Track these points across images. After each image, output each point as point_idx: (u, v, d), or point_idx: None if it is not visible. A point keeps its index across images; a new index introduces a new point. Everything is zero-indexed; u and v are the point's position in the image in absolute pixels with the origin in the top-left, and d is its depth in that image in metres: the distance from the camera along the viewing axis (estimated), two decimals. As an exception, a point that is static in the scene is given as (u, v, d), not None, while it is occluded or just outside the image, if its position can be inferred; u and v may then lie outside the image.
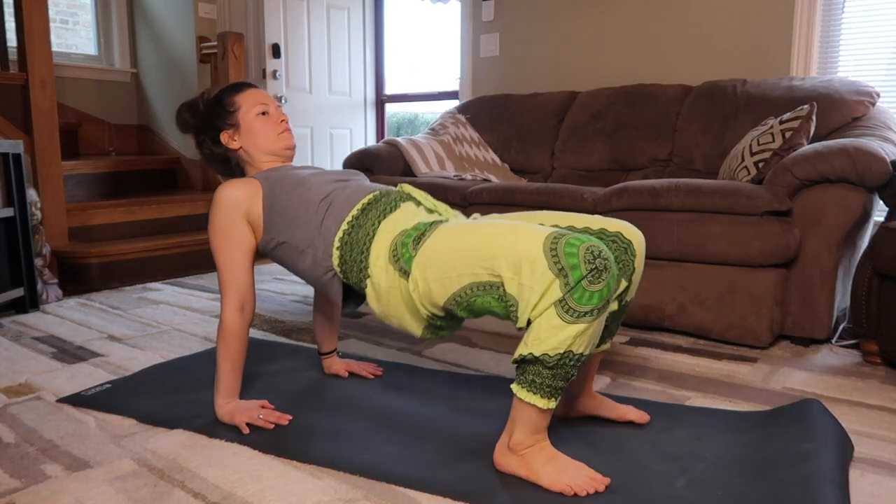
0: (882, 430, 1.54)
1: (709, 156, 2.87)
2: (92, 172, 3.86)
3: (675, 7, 3.31)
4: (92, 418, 1.60)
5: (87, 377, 1.90)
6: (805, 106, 2.28)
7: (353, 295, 1.59)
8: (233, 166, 1.72)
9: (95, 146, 4.60)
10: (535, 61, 3.83)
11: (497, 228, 1.26)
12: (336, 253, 1.47)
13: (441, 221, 1.42)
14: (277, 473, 1.32)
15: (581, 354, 1.18)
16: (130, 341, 2.27)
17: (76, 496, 1.24)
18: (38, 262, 2.81)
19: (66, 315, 2.62)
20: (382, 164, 3.21)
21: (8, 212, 2.61)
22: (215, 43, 3.94)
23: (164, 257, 3.40)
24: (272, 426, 1.51)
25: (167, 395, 1.72)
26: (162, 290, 3.08)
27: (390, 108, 5.17)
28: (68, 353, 2.14)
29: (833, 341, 2.20)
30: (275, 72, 4.20)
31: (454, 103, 4.21)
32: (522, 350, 1.19)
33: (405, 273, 1.35)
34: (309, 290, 3.08)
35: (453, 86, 4.42)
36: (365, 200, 1.50)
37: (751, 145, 2.34)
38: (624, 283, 1.38)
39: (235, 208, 1.55)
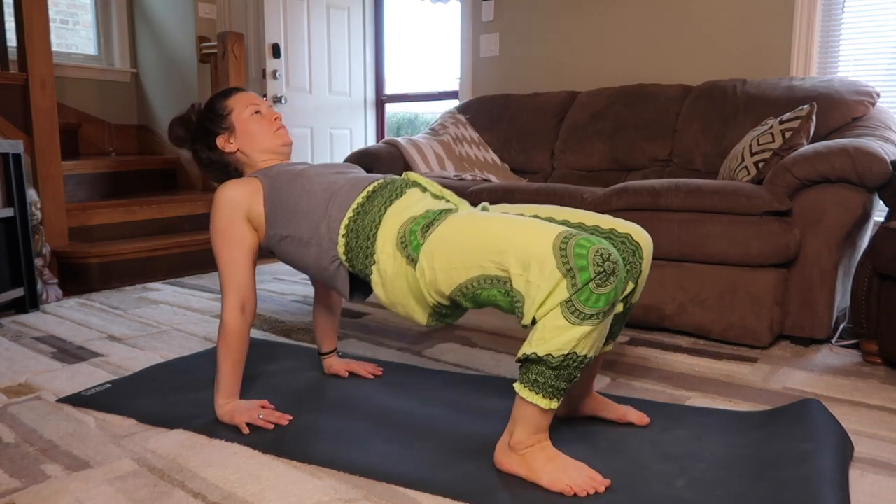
0: (882, 430, 1.54)
1: (709, 156, 2.87)
2: (92, 172, 3.86)
3: (675, 7, 3.31)
4: (92, 418, 1.60)
5: (87, 377, 1.90)
6: (805, 106, 2.28)
7: (360, 286, 1.58)
8: (231, 171, 1.71)
9: (95, 146, 4.61)
10: (535, 61, 3.83)
11: (509, 223, 1.25)
12: (342, 241, 1.46)
13: (451, 210, 1.41)
14: (277, 473, 1.32)
15: (585, 357, 1.18)
16: (130, 341, 2.27)
17: (76, 496, 1.24)
18: (38, 262, 2.81)
19: (66, 315, 2.62)
20: (382, 164, 3.21)
21: (8, 212, 2.61)
22: (215, 43, 3.94)
23: (164, 257, 3.40)
24: (272, 426, 1.51)
25: (167, 395, 1.72)
26: (162, 290, 3.08)
27: (390, 108, 5.17)
28: (68, 353, 2.14)
29: (833, 341, 2.20)
30: (275, 72, 4.20)
31: (454, 103, 4.21)
32: (526, 349, 1.19)
33: (412, 260, 1.34)
34: (309, 290, 3.08)
35: (453, 86, 4.42)
36: (370, 188, 1.49)
37: (751, 145, 2.34)
38: (630, 286, 1.38)
39: (235, 208, 1.55)
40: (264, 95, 4.18)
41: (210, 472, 1.33)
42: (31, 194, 2.82)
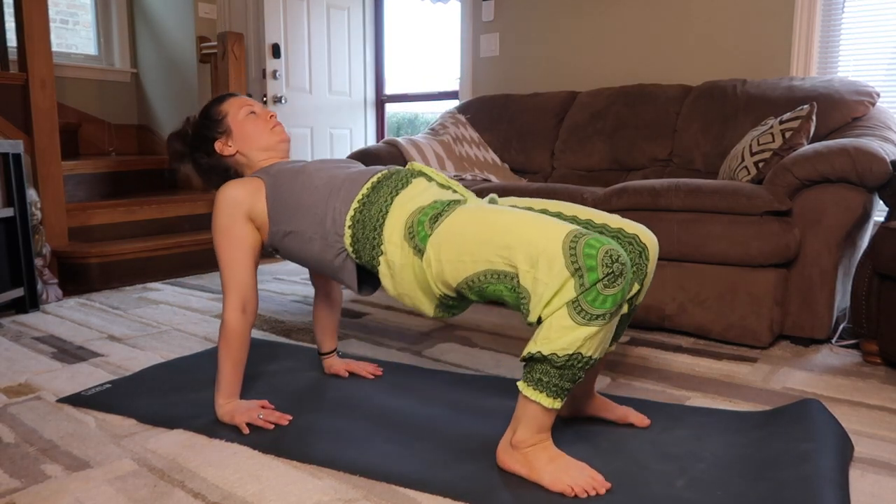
0: (882, 430, 1.54)
1: (709, 156, 2.87)
2: (92, 172, 3.86)
3: (675, 7, 3.31)
4: (92, 418, 1.60)
5: (87, 377, 1.90)
6: (805, 106, 2.28)
7: (368, 279, 1.57)
8: (231, 174, 1.71)
9: (95, 146, 4.61)
10: (535, 61, 3.83)
11: (518, 218, 1.25)
12: (348, 232, 1.45)
13: (460, 201, 1.40)
14: (277, 473, 1.32)
15: (590, 358, 1.18)
16: (130, 341, 2.27)
17: (76, 496, 1.24)
18: (38, 262, 2.81)
19: (66, 315, 2.62)
20: (382, 163, 3.21)
21: (8, 212, 2.61)
22: (215, 43, 3.94)
23: (164, 257, 3.40)
24: (272, 426, 1.51)
25: (167, 395, 1.72)
26: (162, 290, 3.08)
27: (390, 108, 5.17)
28: (68, 353, 2.14)
29: (833, 341, 2.20)
30: (275, 72, 4.20)
31: (454, 103, 4.21)
32: (531, 348, 1.19)
33: (419, 251, 1.34)
34: (309, 290, 3.08)
35: (453, 86, 4.42)
36: (374, 179, 1.49)
37: (751, 145, 2.34)
38: (636, 287, 1.38)
39: (236, 207, 1.55)
40: (264, 95, 4.18)
41: (210, 472, 1.33)
42: (31, 194, 2.82)
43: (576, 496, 1.20)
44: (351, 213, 1.46)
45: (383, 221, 1.41)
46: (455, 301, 1.39)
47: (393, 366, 1.97)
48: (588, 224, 1.39)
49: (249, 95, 4.17)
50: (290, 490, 1.26)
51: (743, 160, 2.34)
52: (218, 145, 1.68)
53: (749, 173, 2.29)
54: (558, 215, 1.42)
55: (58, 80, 4.13)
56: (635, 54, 3.46)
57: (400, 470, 1.31)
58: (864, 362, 2.02)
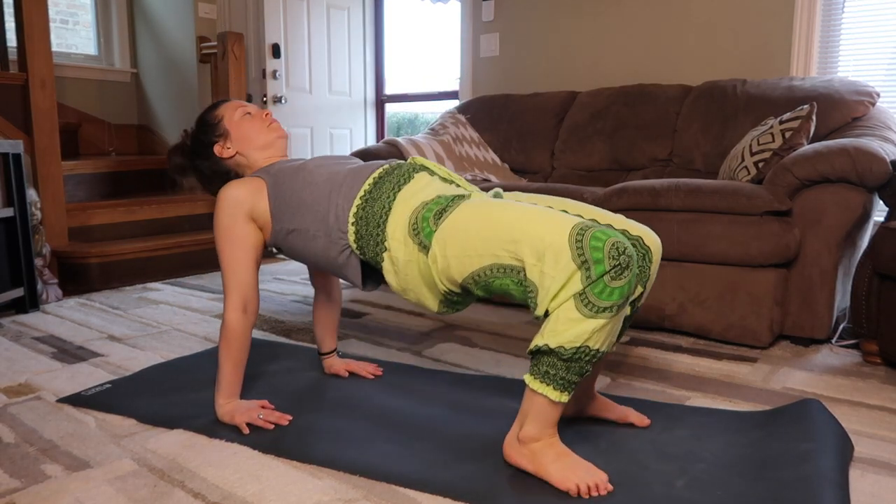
0: (882, 430, 1.54)
1: (709, 156, 2.87)
2: (92, 172, 3.86)
3: (675, 7, 3.31)
4: (92, 418, 1.60)
5: (87, 377, 1.90)
6: (805, 106, 2.28)
7: (371, 274, 1.57)
8: (232, 177, 1.72)
9: (95, 146, 4.61)
10: (535, 61, 3.83)
11: (524, 212, 1.25)
12: (352, 229, 1.45)
13: (464, 196, 1.40)
14: (277, 473, 1.32)
15: (597, 351, 1.18)
16: (130, 341, 2.27)
17: (76, 496, 1.24)
18: (38, 262, 2.81)
19: (66, 315, 2.62)
20: (382, 164, 3.21)
21: (8, 212, 2.61)
22: (215, 43, 3.94)
23: (164, 257, 3.40)
24: (272, 426, 1.51)
25: (167, 395, 1.72)
26: (162, 290, 3.08)
27: (390, 108, 5.17)
28: (68, 353, 2.14)
29: (833, 341, 2.20)
30: (275, 72, 4.20)
31: (454, 103, 4.21)
32: (538, 341, 1.18)
33: (424, 247, 1.34)
34: (309, 290, 3.08)
35: (453, 86, 4.42)
36: (376, 174, 1.49)
37: (751, 145, 2.34)
38: (639, 289, 1.38)
39: (237, 207, 1.55)
40: (264, 95, 4.18)
41: (210, 472, 1.33)
42: (31, 194, 2.82)
43: (580, 496, 1.20)
44: (354, 209, 1.46)
45: (386, 218, 1.41)
46: (459, 297, 1.39)
47: (393, 366, 1.97)
48: (592, 222, 1.39)
49: (249, 95, 4.17)
50: (290, 490, 1.26)
51: (743, 160, 2.34)
52: (217, 149, 1.68)
53: (749, 173, 2.29)
54: (563, 212, 1.42)
55: (58, 80, 4.13)
56: (635, 54, 3.46)
57: (400, 470, 1.31)
58: (864, 362, 2.02)
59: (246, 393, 1.70)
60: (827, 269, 2.09)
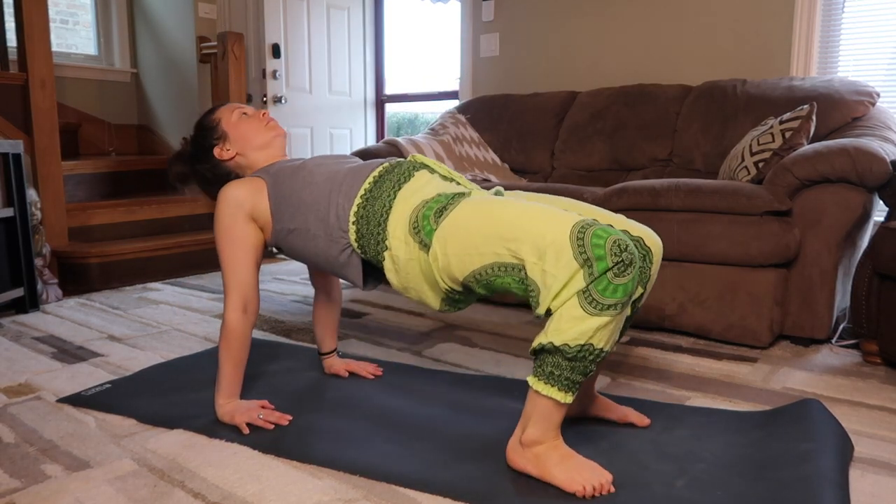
0: (882, 430, 1.54)
1: (709, 156, 2.87)
2: (92, 172, 3.86)
3: (675, 7, 3.31)
4: (92, 418, 1.60)
5: (87, 377, 1.90)
6: (805, 106, 2.28)
7: (372, 273, 1.56)
8: (233, 179, 1.72)
9: (95, 146, 4.61)
10: (535, 61, 3.83)
11: (524, 210, 1.25)
12: (352, 228, 1.45)
13: (464, 194, 1.39)
14: (277, 473, 1.32)
15: (601, 349, 1.17)
16: (130, 341, 2.27)
17: (76, 496, 1.24)
18: (38, 262, 2.81)
19: (66, 315, 2.62)
20: (382, 164, 3.21)
21: (8, 212, 2.61)
22: (215, 43, 3.94)
23: (164, 257, 3.40)
24: (272, 426, 1.51)
25: (167, 395, 1.72)
26: (162, 290, 3.08)
27: (390, 108, 5.17)
28: (68, 353, 2.14)
29: (833, 341, 2.20)
30: (275, 72, 4.20)
31: (454, 103, 4.21)
32: (542, 339, 1.18)
33: (425, 246, 1.34)
34: (309, 290, 3.08)
35: (453, 86, 4.42)
36: (375, 173, 1.49)
37: (751, 145, 2.34)
38: (640, 290, 1.38)
39: (238, 207, 1.56)
40: (264, 95, 4.18)
41: (210, 472, 1.33)
42: (31, 194, 2.82)
43: (588, 496, 1.20)
44: (354, 208, 1.45)
45: (387, 216, 1.41)
46: (461, 295, 1.39)
47: (393, 366, 1.97)
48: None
49: (249, 96, 4.17)
50: (290, 490, 1.26)
51: (743, 160, 2.34)
52: (216, 151, 1.69)
53: (749, 173, 2.29)
54: (563, 210, 1.42)
55: (58, 80, 4.13)
56: (635, 54, 3.46)
57: (400, 470, 1.31)
58: (864, 362, 2.02)
59: (246, 393, 1.70)
60: (827, 269, 2.09)
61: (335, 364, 1.89)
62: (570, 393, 1.20)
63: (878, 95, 2.61)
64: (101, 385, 1.80)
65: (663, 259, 2.28)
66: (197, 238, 3.54)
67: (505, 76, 3.96)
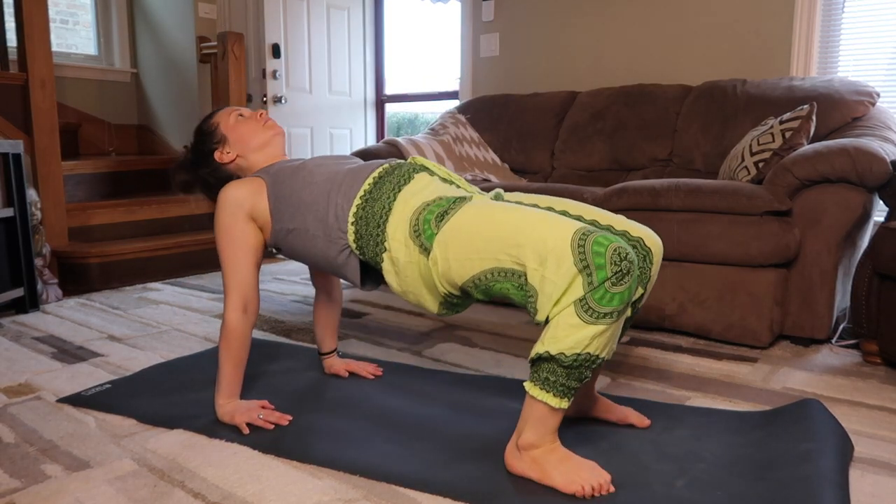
0: (882, 430, 1.54)
1: (709, 156, 2.87)
2: (92, 172, 3.86)
3: (675, 7, 3.31)
4: (92, 418, 1.60)
5: (87, 377, 1.90)
6: (805, 106, 2.28)
7: (371, 274, 1.56)
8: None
9: (95, 146, 4.61)
10: (535, 61, 3.83)
11: (525, 215, 1.25)
12: (351, 229, 1.45)
13: (465, 198, 1.39)
14: (277, 473, 1.32)
15: (598, 357, 1.18)
16: (130, 341, 2.27)
17: (76, 496, 1.24)
18: (38, 262, 2.81)
19: (66, 315, 2.62)
20: (382, 164, 3.21)
21: (8, 212, 2.61)
22: (215, 43, 3.94)
23: (164, 257, 3.40)
24: (272, 426, 1.51)
25: (167, 395, 1.72)
26: (162, 290, 3.08)
27: (390, 108, 5.17)
28: (68, 353, 2.14)
29: (833, 341, 2.20)
30: (275, 72, 4.20)
31: (454, 103, 4.21)
32: (539, 349, 1.18)
33: (426, 250, 1.33)
34: (309, 290, 3.08)
35: (453, 86, 4.42)
36: (376, 174, 1.49)
37: (751, 145, 2.34)
38: (640, 291, 1.38)
39: (237, 207, 1.56)
40: (264, 95, 4.18)
41: (210, 472, 1.33)
42: (31, 194, 2.82)
43: (591, 496, 1.20)
44: (354, 209, 1.45)
45: (387, 218, 1.41)
46: (459, 299, 1.39)
47: (393, 366, 1.97)
48: (593, 224, 1.39)
49: (249, 96, 4.17)
50: (290, 490, 1.26)
51: (743, 160, 2.34)
52: (217, 155, 1.70)
53: (749, 173, 2.29)
54: (564, 213, 1.42)
55: (58, 80, 4.13)
56: (635, 54, 3.46)
57: (400, 470, 1.31)
58: (864, 362, 2.02)
59: (246, 393, 1.70)
60: (827, 269, 2.09)
61: (335, 364, 1.89)
62: (566, 399, 1.20)
63: (878, 95, 2.61)
64: (101, 385, 1.80)
65: (663, 259, 2.28)
66: (197, 238, 3.54)
67: (505, 76, 3.96)
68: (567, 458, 1.25)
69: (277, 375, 1.87)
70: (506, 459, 1.30)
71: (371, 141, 4.91)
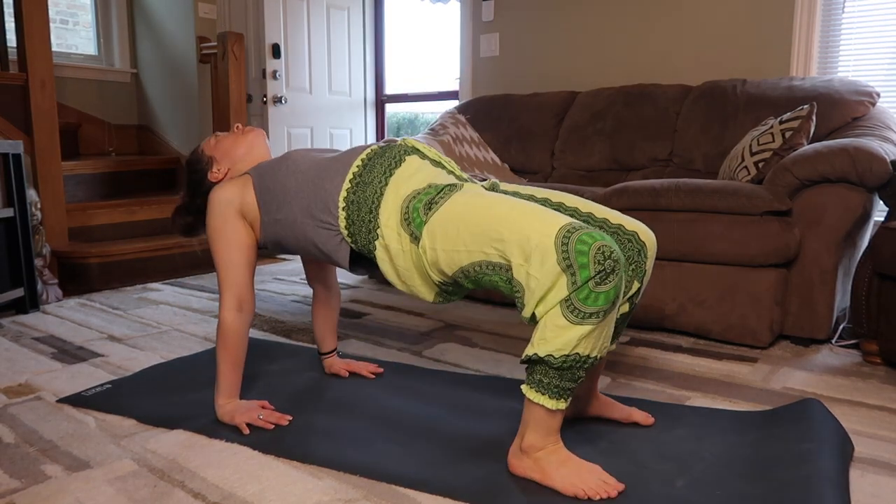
0: (882, 430, 1.54)
1: (709, 156, 2.86)
2: (92, 172, 3.86)
3: (675, 7, 3.31)
4: (92, 418, 1.60)
5: (87, 377, 1.90)
6: (805, 106, 2.28)
7: (361, 260, 1.54)
8: None
9: (95, 146, 4.61)
10: (535, 61, 3.83)
11: (513, 208, 1.24)
12: (342, 214, 1.44)
13: (455, 186, 1.38)
14: (277, 473, 1.32)
15: (588, 357, 1.17)
16: (130, 341, 2.27)
17: (76, 496, 1.24)
18: (38, 262, 2.81)
19: (66, 315, 2.62)
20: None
21: (8, 212, 2.61)
22: (215, 43, 3.95)
23: (164, 257, 3.40)
24: (272, 426, 1.51)
25: (167, 395, 1.72)
26: (162, 291, 3.08)
27: (390, 108, 5.16)
28: (68, 353, 2.14)
29: (833, 341, 2.20)
30: (275, 72, 4.20)
31: (454, 103, 4.20)
32: (529, 351, 1.19)
33: (416, 238, 1.33)
34: (309, 290, 3.08)
35: (453, 86, 4.42)
36: (364, 156, 1.47)
37: (751, 145, 2.34)
38: (636, 285, 1.38)
39: (227, 206, 1.57)
40: (264, 95, 4.18)
41: (210, 472, 1.33)
42: (31, 194, 2.82)
43: (589, 499, 1.20)
44: (343, 193, 1.44)
45: (379, 203, 1.39)
46: (453, 287, 1.39)
47: (393, 366, 1.97)
48: (588, 218, 1.39)
49: (249, 96, 4.17)
50: (290, 490, 1.26)
51: (743, 160, 2.34)
52: (210, 175, 1.71)
53: (749, 173, 2.29)
54: (560, 206, 1.42)
55: (58, 80, 4.12)
56: (635, 54, 3.46)
57: (400, 470, 1.31)
58: (864, 362, 2.01)
59: (246, 393, 1.70)
60: (827, 269, 2.09)
61: (335, 364, 1.89)
62: (562, 400, 1.20)
63: (878, 95, 2.61)
64: (102, 385, 1.80)
65: (664, 259, 2.28)
66: (197, 238, 3.54)
67: (505, 76, 3.96)
68: (568, 461, 1.25)
69: (277, 375, 1.87)
70: (509, 461, 1.31)
71: (371, 141, 4.91)
